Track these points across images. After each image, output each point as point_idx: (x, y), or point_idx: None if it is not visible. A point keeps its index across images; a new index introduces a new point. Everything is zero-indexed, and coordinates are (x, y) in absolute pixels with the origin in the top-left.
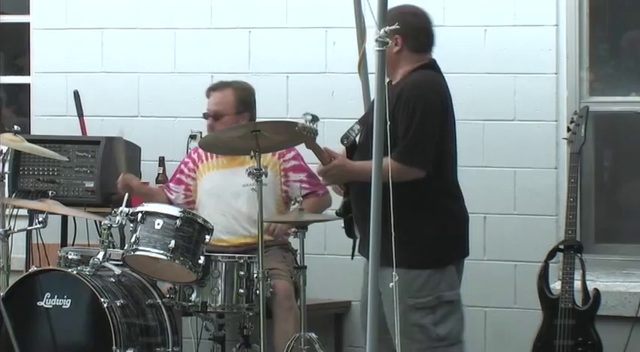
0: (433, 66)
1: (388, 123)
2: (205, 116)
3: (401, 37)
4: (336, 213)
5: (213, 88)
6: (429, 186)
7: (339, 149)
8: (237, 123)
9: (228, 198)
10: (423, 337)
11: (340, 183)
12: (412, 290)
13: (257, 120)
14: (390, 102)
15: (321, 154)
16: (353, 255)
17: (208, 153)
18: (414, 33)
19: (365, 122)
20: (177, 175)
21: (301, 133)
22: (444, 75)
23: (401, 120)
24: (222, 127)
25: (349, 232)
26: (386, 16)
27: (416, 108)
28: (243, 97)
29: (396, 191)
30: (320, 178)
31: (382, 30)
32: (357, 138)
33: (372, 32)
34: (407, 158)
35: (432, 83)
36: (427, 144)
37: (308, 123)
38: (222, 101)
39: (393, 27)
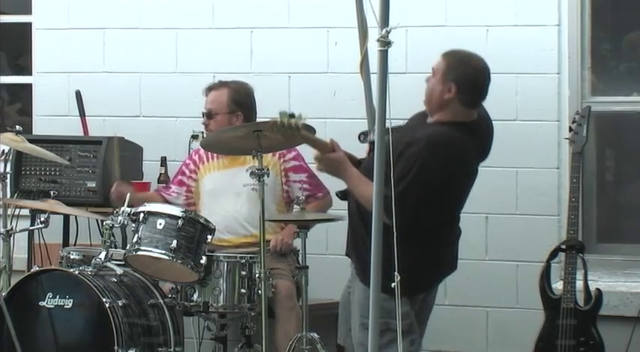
0: (471, 127)
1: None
2: (203, 115)
3: (455, 86)
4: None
5: (210, 88)
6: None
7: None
8: (230, 122)
9: (229, 198)
10: None
11: (331, 175)
12: (365, 309)
13: (258, 120)
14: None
15: (316, 143)
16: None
17: (209, 155)
18: (469, 88)
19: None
20: (179, 177)
21: (282, 132)
22: None
23: (398, 168)
24: (216, 126)
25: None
26: (388, 15)
27: (412, 170)
28: (237, 97)
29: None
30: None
31: (384, 30)
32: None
33: (374, 32)
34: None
35: (445, 150)
36: (405, 205)
37: (282, 120)
38: (216, 100)
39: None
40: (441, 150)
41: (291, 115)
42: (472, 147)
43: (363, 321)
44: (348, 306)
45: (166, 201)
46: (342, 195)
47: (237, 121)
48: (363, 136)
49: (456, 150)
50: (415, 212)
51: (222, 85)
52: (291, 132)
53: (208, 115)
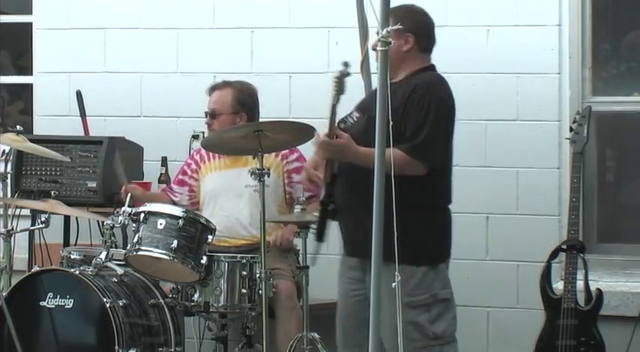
0: (435, 69)
1: (391, 122)
2: (206, 114)
3: (413, 36)
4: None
5: (213, 88)
6: (430, 185)
7: None
8: (233, 122)
9: (230, 199)
10: (418, 335)
11: (336, 160)
12: (408, 287)
13: (259, 120)
14: (396, 99)
15: (331, 129)
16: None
17: (211, 154)
18: (425, 32)
19: (365, 110)
20: (180, 177)
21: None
22: (448, 75)
23: (413, 116)
24: (219, 126)
25: (320, 235)
26: (388, 16)
27: (431, 107)
28: (241, 98)
29: (395, 187)
30: (320, 146)
31: (385, 30)
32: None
33: (375, 32)
34: (418, 153)
35: (445, 86)
36: (438, 143)
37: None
38: (220, 100)
39: (396, 27)
40: (442, 86)
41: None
42: None
43: (407, 300)
44: (357, 313)
45: (173, 202)
46: (319, 236)
47: (240, 121)
48: (342, 124)
49: (448, 85)
50: (447, 153)
51: (226, 84)
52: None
53: (212, 115)
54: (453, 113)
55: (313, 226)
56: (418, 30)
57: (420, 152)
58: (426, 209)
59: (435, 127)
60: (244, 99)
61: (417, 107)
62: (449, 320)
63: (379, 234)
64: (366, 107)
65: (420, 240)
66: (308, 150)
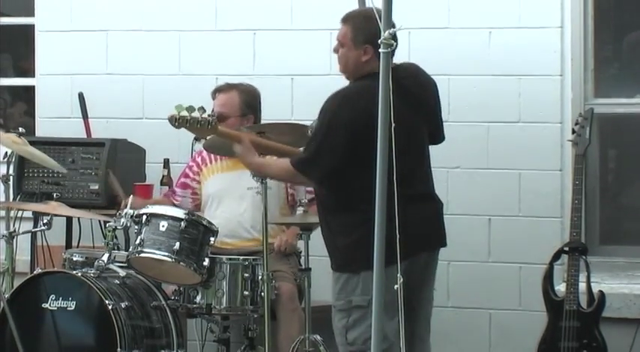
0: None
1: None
2: None
3: (371, 47)
4: None
5: (218, 90)
6: (350, 193)
7: None
8: (241, 125)
9: (232, 201)
10: (342, 339)
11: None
12: (334, 292)
13: (261, 121)
14: None
15: (230, 136)
16: None
17: (212, 156)
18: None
19: None
20: (183, 179)
21: (188, 127)
22: (450, 77)
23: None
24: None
25: None
26: (391, 18)
27: (323, 122)
28: (248, 100)
29: (324, 194)
30: None
31: (387, 32)
32: None
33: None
34: (301, 165)
35: (354, 98)
36: (323, 158)
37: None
38: (227, 103)
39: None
40: (349, 98)
41: (190, 109)
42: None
43: (334, 303)
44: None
45: (175, 206)
46: None
47: (248, 124)
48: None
49: (365, 96)
50: (335, 171)
51: (231, 87)
52: (201, 127)
53: (220, 118)
54: (361, 127)
55: None
56: (376, 40)
57: (301, 165)
58: (346, 215)
59: (319, 141)
60: (251, 101)
61: (317, 121)
62: (364, 328)
63: (381, 235)
64: None
65: (340, 245)
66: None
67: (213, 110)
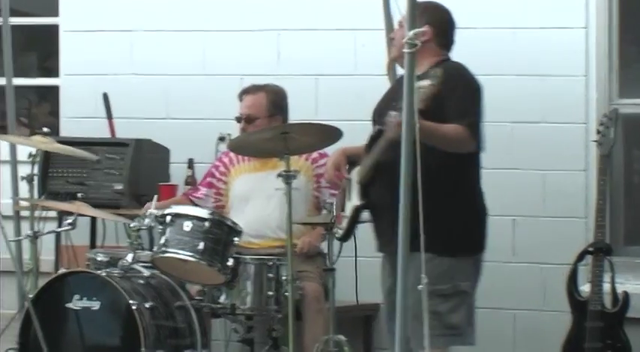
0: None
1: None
2: (238, 119)
3: (431, 29)
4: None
5: (246, 91)
6: (465, 173)
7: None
8: (269, 125)
9: (259, 202)
10: (437, 323)
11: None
12: (432, 276)
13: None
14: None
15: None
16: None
17: (240, 157)
18: (445, 28)
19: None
20: (208, 179)
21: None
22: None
23: (455, 98)
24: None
25: (347, 236)
26: (415, 17)
27: (473, 91)
28: (276, 100)
29: (430, 176)
30: (394, 125)
31: (411, 32)
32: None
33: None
34: (473, 129)
35: (471, 72)
36: (480, 125)
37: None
38: (254, 104)
39: (423, 29)
40: (473, 75)
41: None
42: None
43: (430, 289)
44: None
45: (194, 205)
46: (345, 236)
47: (275, 124)
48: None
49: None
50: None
51: (258, 88)
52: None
53: (248, 120)
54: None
55: (340, 226)
56: (437, 24)
57: (474, 129)
58: (459, 198)
59: (478, 111)
60: (279, 101)
61: (456, 90)
62: (464, 312)
63: (406, 224)
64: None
65: (448, 229)
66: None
67: (240, 112)
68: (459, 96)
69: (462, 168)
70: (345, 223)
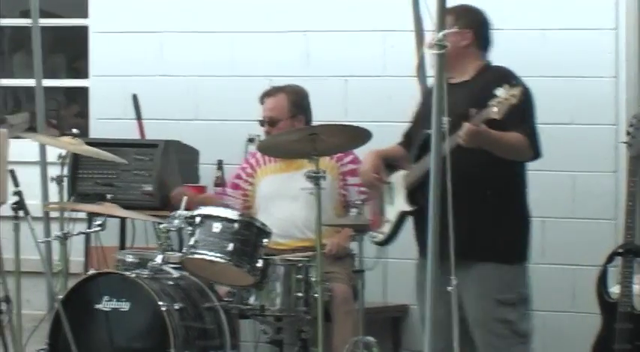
0: None
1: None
2: (262, 123)
3: (472, 32)
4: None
5: (266, 95)
6: (519, 178)
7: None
8: (292, 126)
9: (285, 202)
10: (509, 333)
11: (474, 146)
12: (499, 285)
13: (314, 123)
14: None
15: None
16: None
17: (266, 158)
18: (484, 30)
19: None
20: (235, 180)
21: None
22: None
23: (513, 107)
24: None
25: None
26: (444, 18)
27: (528, 98)
28: (297, 100)
29: (489, 185)
30: (468, 134)
31: (441, 33)
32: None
33: (430, 35)
34: (532, 138)
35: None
36: (537, 131)
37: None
38: (276, 106)
39: (452, 30)
40: (521, 79)
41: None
42: None
43: (499, 297)
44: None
45: (226, 205)
46: (388, 240)
47: (298, 125)
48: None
49: None
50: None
51: (278, 90)
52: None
53: (270, 123)
54: None
55: (380, 230)
56: (477, 27)
57: (532, 137)
58: (516, 204)
59: (533, 116)
60: (300, 101)
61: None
62: (529, 318)
63: (435, 231)
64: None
65: (511, 236)
66: (361, 152)
67: (262, 115)
68: (516, 104)
69: (517, 174)
70: (386, 227)
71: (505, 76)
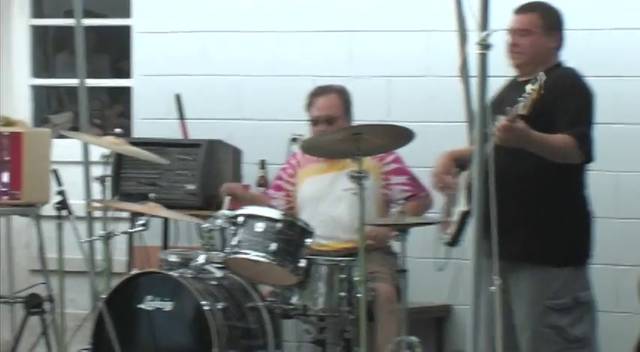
0: None
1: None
2: (314, 122)
3: (557, 34)
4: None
5: (318, 93)
6: (576, 179)
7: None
8: (345, 124)
9: (328, 203)
10: (558, 338)
11: (512, 145)
12: (550, 290)
13: (357, 123)
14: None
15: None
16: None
17: (308, 158)
18: (562, 30)
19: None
20: (277, 181)
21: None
22: None
23: (569, 105)
24: None
25: (456, 240)
26: (487, 18)
27: (585, 100)
28: (347, 100)
29: (542, 185)
30: (500, 130)
31: (484, 33)
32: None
33: (474, 35)
34: (582, 139)
35: (586, 81)
36: (591, 134)
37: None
38: (332, 104)
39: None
40: (583, 79)
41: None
42: None
43: (550, 303)
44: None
45: (271, 205)
46: (454, 241)
47: (347, 124)
48: None
49: None
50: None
51: (328, 89)
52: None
53: (328, 121)
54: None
55: (447, 232)
56: (561, 28)
57: (582, 139)
58: (570, 205)
59: (590, 120)
60: (349, 100)
61: (570, 97)
62: (588, 323)
63: (479, 231)
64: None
65: (563, 239)
66: (405, 152)
67: (315, 115)
68: (569, 104)
69: (573, 175)
70: (452, 228)
71: (564, 77)
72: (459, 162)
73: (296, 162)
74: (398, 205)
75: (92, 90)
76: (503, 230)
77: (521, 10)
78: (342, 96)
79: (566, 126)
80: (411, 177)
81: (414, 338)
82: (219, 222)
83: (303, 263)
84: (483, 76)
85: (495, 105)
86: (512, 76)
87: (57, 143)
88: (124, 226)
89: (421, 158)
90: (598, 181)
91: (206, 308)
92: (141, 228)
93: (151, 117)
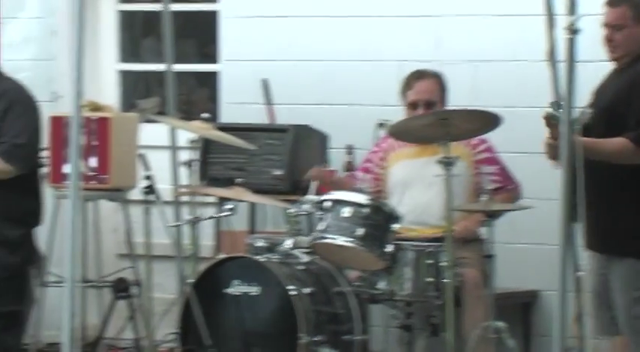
0: None
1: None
2: (412, 105)
3: None
4: None
5: (418, 77)
6: None
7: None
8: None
9: (419, 188)
10: None
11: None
12: (633, 281)
13: (445, 108)
14: (621, 83)
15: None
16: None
17: (399, 143)
18: None
19: (595, 106)
20: (366, 164)
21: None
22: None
23: (636, 106)
24: None
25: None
26: (575, 2)
27: None
28: (445, 85)
29: (619, 177)
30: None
31: (572, 18)
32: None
33: (563, 20)
34: (638, 141)
35: None
36: None
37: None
38: (431, 89)
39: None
40: None
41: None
42: None
43: (636, 295)
44: (604, 295)
45: (359, 189)
46: None
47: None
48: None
49: None
50: None
51: (428, 74)
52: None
53: (428, 105)
54: None
55: None
56: None
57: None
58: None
59: None
60: (446, 86)
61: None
62: None
63: (566, 223)
64: (595, 102)
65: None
66: (497, 140)
67: (415, 98)
68: (638, 103)
69: None
70: None
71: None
72: None
73: (387, 145)
74: (486, 193)
75: (179, 75)
76: (598, 218)
77: (611, 3)
78: (440, 81)
79: (630, 128)
80: (501, 168)
81: (501, 324)
82: (305, 206)
83: (390, 248)
84: (571, 60)
85: (597, 94)
86: (602, 60)
87: (144, 128)
88: (211, 211)
89: (508, 143)
90: None
91: (293, 293)
92: (228, 213)
93: (238, 102)
